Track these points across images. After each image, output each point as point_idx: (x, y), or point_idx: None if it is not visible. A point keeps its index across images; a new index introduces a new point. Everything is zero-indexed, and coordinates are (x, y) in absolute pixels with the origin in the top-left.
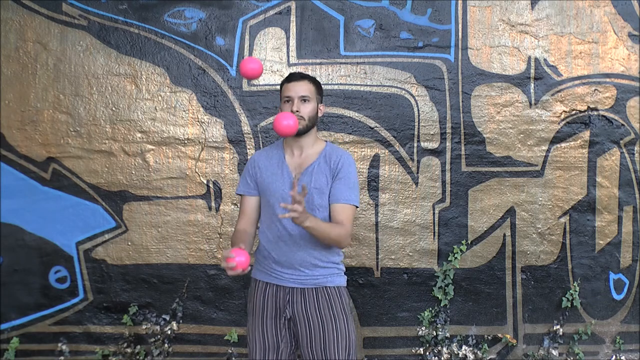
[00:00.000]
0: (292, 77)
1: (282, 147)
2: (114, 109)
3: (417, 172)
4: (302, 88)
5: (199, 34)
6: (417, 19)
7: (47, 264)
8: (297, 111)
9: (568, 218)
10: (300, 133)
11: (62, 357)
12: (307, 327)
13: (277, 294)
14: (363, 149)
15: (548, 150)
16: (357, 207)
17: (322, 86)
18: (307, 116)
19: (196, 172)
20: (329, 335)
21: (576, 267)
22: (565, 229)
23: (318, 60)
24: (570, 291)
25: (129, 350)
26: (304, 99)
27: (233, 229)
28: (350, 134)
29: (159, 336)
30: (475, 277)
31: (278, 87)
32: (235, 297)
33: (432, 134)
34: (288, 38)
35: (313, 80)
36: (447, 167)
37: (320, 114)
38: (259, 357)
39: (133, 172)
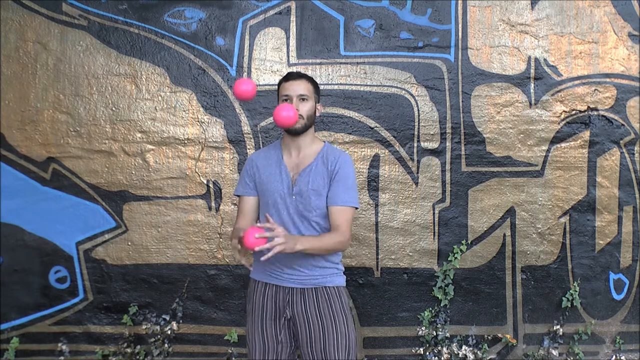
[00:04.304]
0: (289, 76)
1: (280, 147)
2: (114, 109)
3: (417, 172)
4: (300, 87)
5: (199, 34)
6: (417, 19)
7: (47, 264)
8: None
9: (568, 218)
10: (299, 132)
11: (62, 357)
12: (307, 328)
13: (277, 295)
14: (363, 149)
15: (548, 150)
16: (356, 208)
17: (322, 86)
18: (306, 115)
19: (196, 172)
20: (328, 335)
21: (576, 267)
22: (565, 229)
23: (318, 60)
24: (570, 291)
25: (129, 350)
26: (302, 98)
27: (233, 229)
28: (350, 134)
29: (159, 336)
30: (475, 277)
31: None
32: (235, 297)
33: (432, 134)
34: (288, 38)
35: (311, 80)
36: (447, 167)
37: (318, 114)
38: (258, 358)
39: (133, 172)
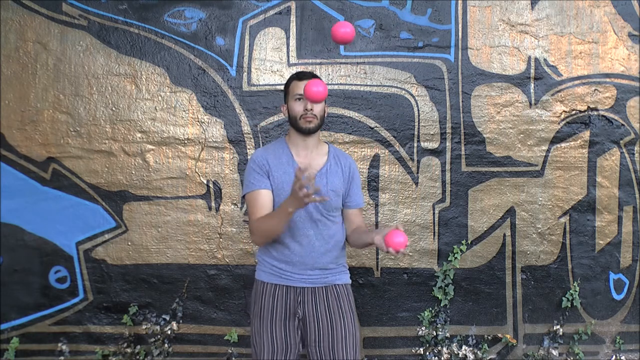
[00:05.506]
0: (303, 76)
1: (286, 145)
2: (114, 109)
3: (417, 172)
4: None
5: (199, 34)
6: (417, 19)
7: (47, 264)
8: (311, 110)
9: (568, 218)
10: (312, 131)
11: (62, 357)
12: (316, 326)
13: (288, 295)
14: (363, 149)
15: (548, 150)
16: None
17: None
18: (319, 115)
19: (196, 172)
20: (337, 333)
21: (576, 267)
22: (565, 229)
23: (318, 60)
24: (570, 291)
25: (129, 350)
26: None
27: (233, 229)
28: (350, 134)
29: (159, 336)
30: (475, 277)
31: (278, 87)
32: (235, 297)
33: (432, 134)
34: (288, 38)
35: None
36: (447, 167)
37: (325, 114)
38: (267, 359)
39: (133, 172)
